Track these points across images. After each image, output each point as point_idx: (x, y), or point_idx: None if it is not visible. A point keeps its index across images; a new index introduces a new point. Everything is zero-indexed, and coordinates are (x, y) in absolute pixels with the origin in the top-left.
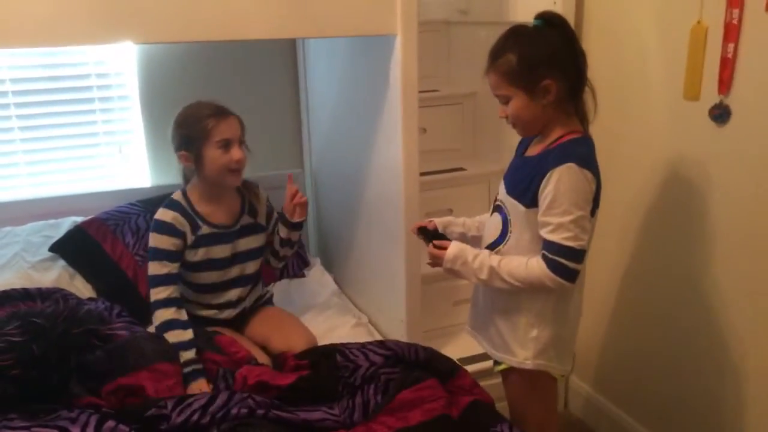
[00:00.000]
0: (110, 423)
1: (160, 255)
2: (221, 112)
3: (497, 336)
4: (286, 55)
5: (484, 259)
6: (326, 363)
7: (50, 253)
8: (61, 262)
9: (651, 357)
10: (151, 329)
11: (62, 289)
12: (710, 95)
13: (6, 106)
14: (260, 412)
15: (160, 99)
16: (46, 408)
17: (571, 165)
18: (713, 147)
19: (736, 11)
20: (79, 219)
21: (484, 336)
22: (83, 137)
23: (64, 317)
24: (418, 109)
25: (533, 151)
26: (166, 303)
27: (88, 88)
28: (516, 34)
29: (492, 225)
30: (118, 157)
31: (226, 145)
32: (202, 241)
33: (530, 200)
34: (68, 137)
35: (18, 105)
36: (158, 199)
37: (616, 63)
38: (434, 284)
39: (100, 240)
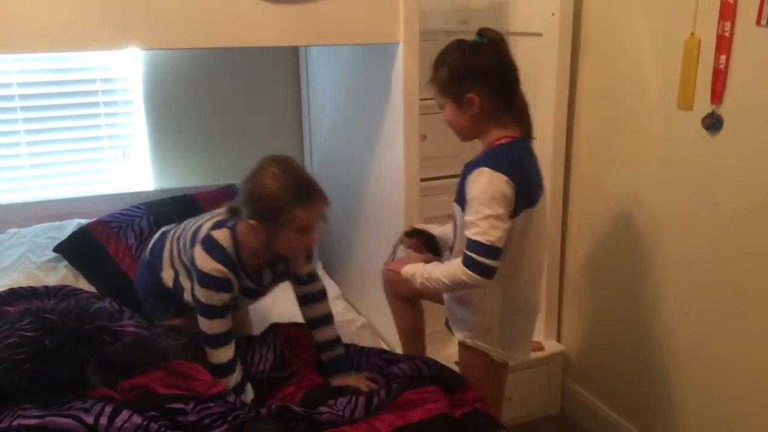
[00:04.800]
0: (124, 414)
1: (219, 311)
2: (309, 199)
3: (451, 312)
4: (288, 61)
5: (427, 267)
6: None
7: (55, 254)
8: (66, 263)
9: (649, 361)
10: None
11: (69, 286)
12: (703, 105)
13: (13, 109)
14: (263, 410)
15: (164, 104)
16: (60, 399)
17: (483, 169)
18: (706, 155)
19: (728, 24)
20: (84, 221)
21: (447, 306)
22: (88, 141)
23: (76, 314)
24: (419, 116)
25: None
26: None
27: (94, 92)
28: (453, 48)
29: (450, 232)
30: (122, 160)
31: (305, 230)
32: (240, 293)
33: (464, 204)
34: (73, 141)
35: (24, 109)
36: (161, 202)
37: (613, 73)
38: None
39: (103, 241)
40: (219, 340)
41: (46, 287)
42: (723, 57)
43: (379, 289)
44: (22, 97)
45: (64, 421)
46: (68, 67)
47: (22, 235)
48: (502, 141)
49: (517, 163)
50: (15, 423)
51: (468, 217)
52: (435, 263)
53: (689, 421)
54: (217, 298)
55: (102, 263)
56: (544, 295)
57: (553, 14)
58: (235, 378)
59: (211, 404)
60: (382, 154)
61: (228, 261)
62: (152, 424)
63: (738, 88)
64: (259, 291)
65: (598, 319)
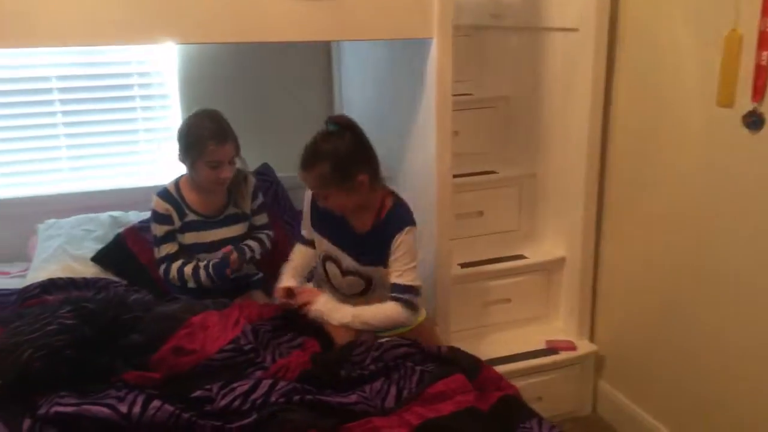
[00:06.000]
0: (156, 403)
1: (157, 240)
2: (219, 137)
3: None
4: (320, 56)
5: (346, 308)
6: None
7: (91, 249)
8: None
9: (685, 363)
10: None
11: (106, 278)
12: (744, 102)
13: (51, 102)
14: (297, 398)
15: (198, 98)
16: (96, 388)
17: (410, 228)
18: (747, 153)
19: None
20: (116, 213)
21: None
22: (124, 134)
23: (114, 303)
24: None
25: (363, 225)
26: (170, 263)
27: (130, 86)
28: (323, 142)
29: (350, 282)
30: (157, 154)
31: (216, 166)
32: (190, 227)
33: (385, 263)
34: (110, 134)
35: (63, 102)
36: None
37: (651, 70)
38: (464, 285)
39: (136, 252)
40: (159, 262)
41: (84, 279)
42: (765, 54)
43: None
44: (60, 90)
45: (100, 409)
46: (105, 61)
47: (60, 226)
48: (393, 200)
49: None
50: (53, 410)
51: (402, 267)
52: (360, 308)
53: (724, 425)
54: (158, 230)
55: (135, 273)
56: (577, 294)
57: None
58: (185, 271)
59: (236, 384)
60: (414, 150)
61: (166, 195)
62: (183, 414)
63: None
64: (217, 224)
65: (633, 319)
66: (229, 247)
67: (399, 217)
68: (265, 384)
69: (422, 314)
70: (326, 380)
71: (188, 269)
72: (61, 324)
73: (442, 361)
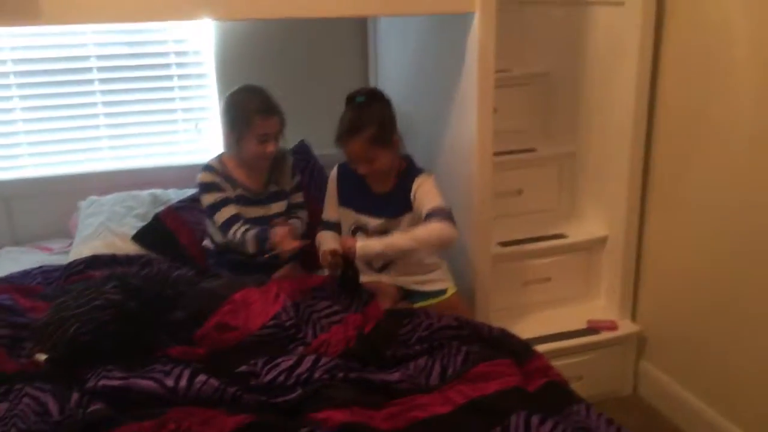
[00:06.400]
0: (202, 377)
1: (215, 207)
2: (266, 110)
3: (421, 282)
4: (357, 32)
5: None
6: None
7: (132, 227)
8: None
9: (730, 343)
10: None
11: (148, 254)
12: None
13: (91, 81)
14: (340, 374)
15: (235, 77)
16: (142, 362)
17: (426, 174)
18: None
19: None
20: (157, 191)
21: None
22: (162, 113)
23: (158, 279)
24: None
25: (383, 187)
26: (240, 225)
27: (168, 65)
28: (364, 109)
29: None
30: (195, 132)
31: (264, 140)
32: (237, 201)
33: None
34: (148, 113)
35: (102, 81)
36: None
37: (700, 44)
38: (504, 264)
39: (175, 231)
40: (226, 225)
41: (127, 255)
42: None
43: (447, 262)
44: (99, 69)
45: (147, 383)
46: (143, 40)
47: (101, 203)
48: (404, 162)
49: None
50: (100, 383)
51: (431, 199)
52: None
53: None
54: (216, 196)
55: (174, 252)
56: (619, 274)
57: None
58: (250, 234)
59: (280, 359)
60: (453, 128)
61: (213, 169)
62: (228, 389)
63: None
64: (261, 201)
65: (679, 299)
66: (285, 224)
67: (414, 171)
68: (309, 360)
69: (453, 288)
70: (371, 359)
71: (251, 233)
72: (107, 299)
73: (490, 342)
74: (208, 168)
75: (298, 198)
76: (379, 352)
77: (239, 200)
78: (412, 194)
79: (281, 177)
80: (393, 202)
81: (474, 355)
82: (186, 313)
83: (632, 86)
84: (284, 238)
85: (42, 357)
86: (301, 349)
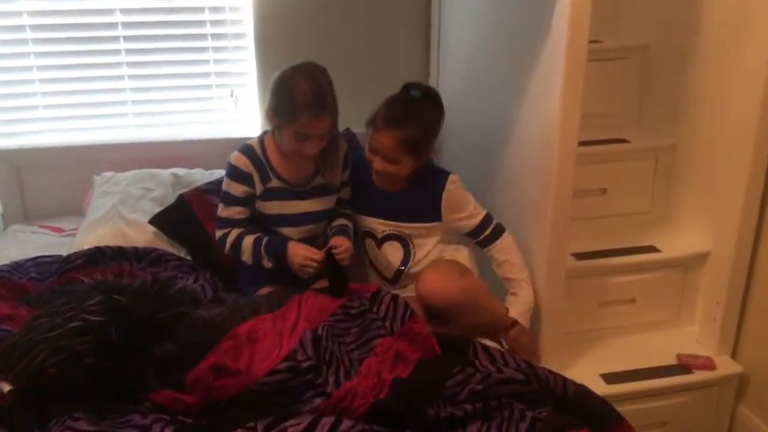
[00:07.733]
0: None
1: (228, 199)
2: (317, 108)
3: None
4: (419, 3)
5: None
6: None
7: (147, 213)
8: None
9: None
10: None
11: (158, 249)
12: None
13: (116, 39)
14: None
15: (277, 39)
16: (117, 407)
17: (452, 177)
18: None
19: None
20: (180, 171)
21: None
22: (194, 77)
23: (152, 294)
24: None
25: (392, 186)
26: (225, 236)
27: (201, 23)
28: (417, 106)
29: (388, 253)
30: (230, 101)
31: (304, 139)
32: (274, 194)
33: (425, 217)
34: (178, 77)
35: (127, 39)
36: None
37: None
38: (577, 280)
39: (201, 218)
40: (221, 223)
41: (135, 248)
42: None
43: None
44: (125, 25)
45: None
46: None
47: (116, 181)
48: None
49: None
50: None
51: (470, 209)
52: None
53: None
54: (233, 188)
55: (198, 242)
56: (722, 300)
57: None
58: (243, 244)
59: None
60: (530, 109)
61: (250, 152)
62: None
63: None
64: (302, 195)
65: None
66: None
67: (435, 169)
68: (326, 423)
69: (476, 273)
70: (407, 418)
71: (248, 240)
72: (87, 321)
73: (564, 403)
74: (244, 150)
75: (347, 193)
76: (418, 410)
77: (277, 193)
78: (441, 199)
79: (330, 169)
80: (407, 204)
81: (542, 425)
82: (177, 348)
83: (761, 66)
84: (307, 261)
85: (6, 387)
86: (318, 402)
